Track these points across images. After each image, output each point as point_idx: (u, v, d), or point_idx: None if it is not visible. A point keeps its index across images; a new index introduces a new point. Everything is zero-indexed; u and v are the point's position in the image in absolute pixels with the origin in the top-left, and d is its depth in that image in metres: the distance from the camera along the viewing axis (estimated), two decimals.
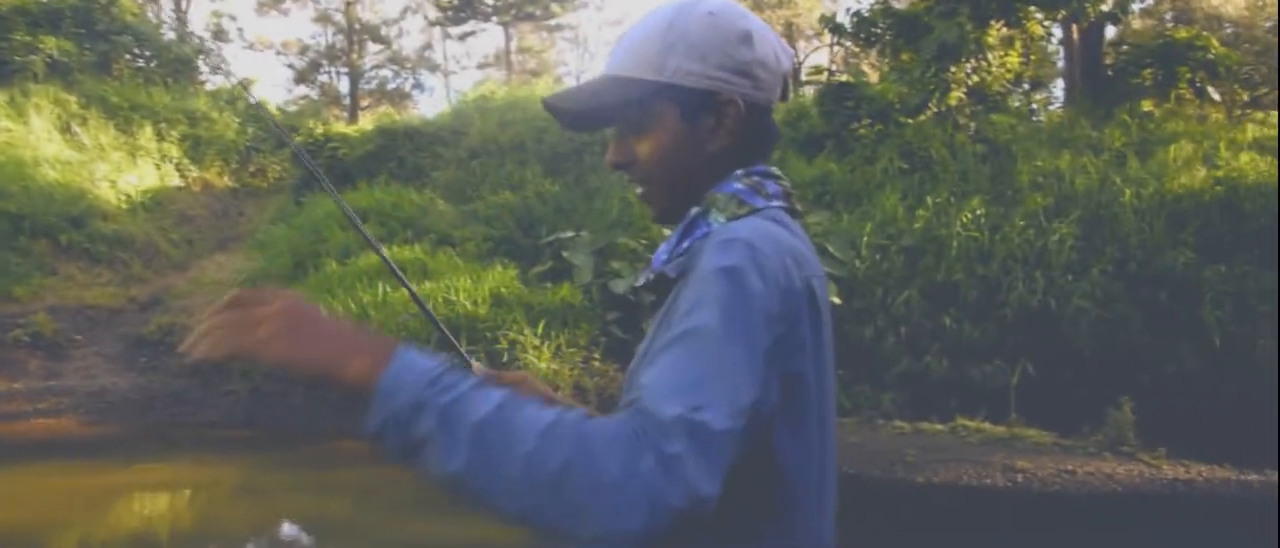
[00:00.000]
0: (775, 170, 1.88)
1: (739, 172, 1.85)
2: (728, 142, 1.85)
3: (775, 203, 1.82)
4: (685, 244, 1.77)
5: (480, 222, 16.87)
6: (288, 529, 9.07)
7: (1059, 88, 17.44)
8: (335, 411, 12.75)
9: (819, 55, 28.84)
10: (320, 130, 22.71)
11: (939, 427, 10.97)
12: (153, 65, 24.59)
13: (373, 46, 41.79)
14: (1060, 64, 21.11)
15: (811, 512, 1.77)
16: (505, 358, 12.56)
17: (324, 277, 14.91)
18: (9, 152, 18.49)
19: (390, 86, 43.06)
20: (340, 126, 23.36)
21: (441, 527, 8.88)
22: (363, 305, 13.49)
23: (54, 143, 19.62)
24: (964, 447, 10.39)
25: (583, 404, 2.44)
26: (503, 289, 13.98)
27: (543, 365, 12.57)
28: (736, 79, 1.83)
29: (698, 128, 1.85)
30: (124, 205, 18.89)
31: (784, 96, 1.90)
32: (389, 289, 13.72)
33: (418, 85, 44.41)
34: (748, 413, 1.51)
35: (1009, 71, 17.15)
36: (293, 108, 32.11)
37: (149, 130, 21.25)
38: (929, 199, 14.13)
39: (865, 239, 13.38)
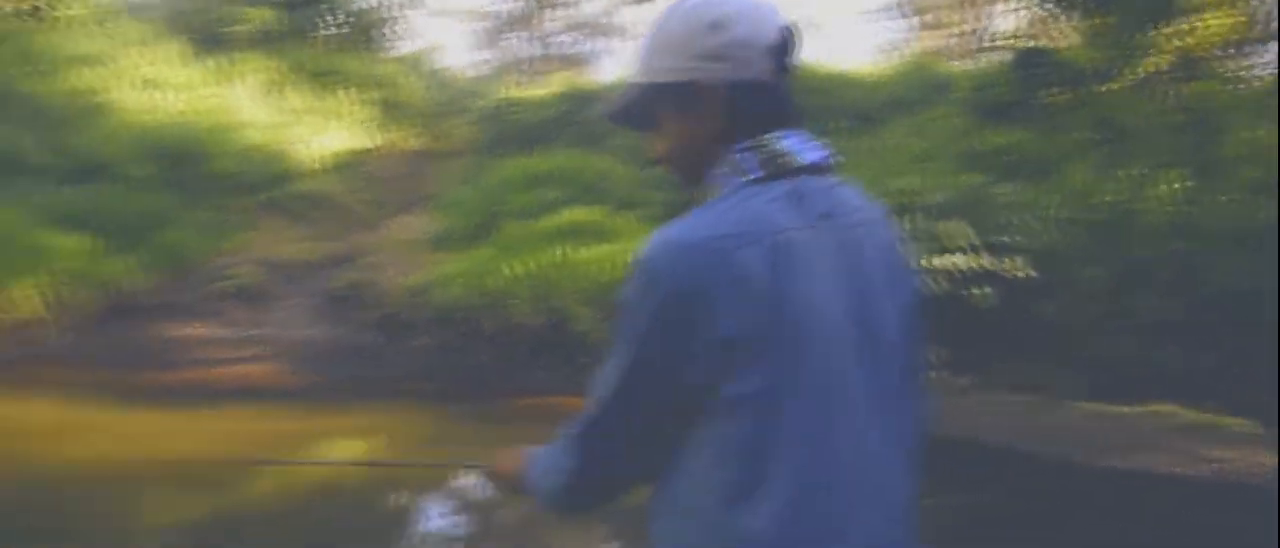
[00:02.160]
0: (764, 139, 2.02)
1: (729, 151, 2.05)
2: (719, 123, 2.04)
3: (752, 175, 2.00)
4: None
5: (662, 186, 16.93)
6: (463, 481, 9.36)
7: (1272, 52, 16.32)
8: (517, 368, 13.11)
9: (1007, 20, 27.75)
10: (503, 94, 23.22)
11: (1129, 410, 10.51)
12: (347, 32, 25.57)
13: (556, 11, 42.39)
14: (1274, 26, 19.74)
15: (788, 489, 1.95)
16: None
17: (506, 237, 15.23)
18: (218, 115, 19.61)
19: (573, 51, 43.62)
20: (523, 90, 23.76)
21: None
22: (544, 267, 13.74)
23: (257, 107, 20.71)
24: (1156, 432, 9.94)
25: None
26: None
27: None
28: (711, 64, 2.00)
29: (689, 117, 2.07)
30: (319, 166, 19.76)
31: (782, 68, 2.03)
32: (572, 250, 13.94)
33: (600, 50, 44.70)
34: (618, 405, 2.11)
35: (1216, 35, 16.14)
36: (477, 72, 32.87)
37: (343, 95, 22.15)
38: (1122, 171, 13.47)
39: (1052, 211, 12.87)
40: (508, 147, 19.98)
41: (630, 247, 13.76)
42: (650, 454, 2.12)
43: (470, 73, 26.86)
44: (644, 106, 2.13)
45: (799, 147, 2.04)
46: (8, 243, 14.04)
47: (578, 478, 2.25)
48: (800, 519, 1.91)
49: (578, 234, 14.75)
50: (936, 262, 11.65)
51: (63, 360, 13.34)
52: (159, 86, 20.25)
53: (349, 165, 20.26)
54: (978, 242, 12.10)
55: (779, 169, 2.00)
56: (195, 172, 17.86)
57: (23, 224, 14.61)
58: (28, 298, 13.62)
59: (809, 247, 1.92)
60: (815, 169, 2.04)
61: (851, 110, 17.73)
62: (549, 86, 23.24)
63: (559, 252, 14.05)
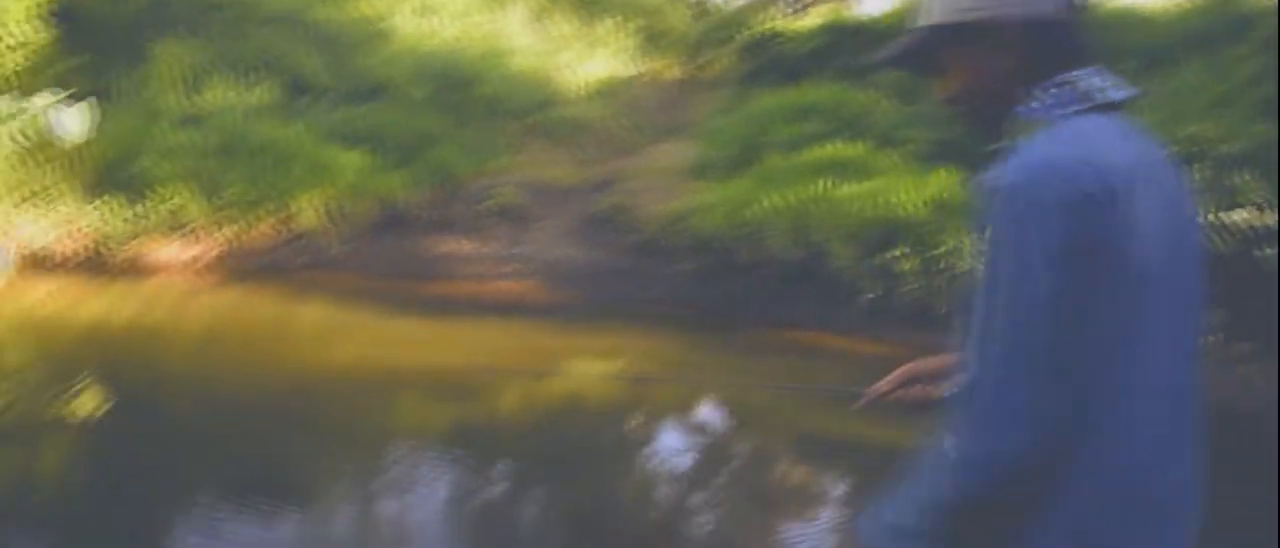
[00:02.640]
0: (1073, 75, 1.99)
1: (1037, 89, 2.02)
2: (1017, 62, 2.04)
3: (1071, 109, 1.97)
4: (985, 175, 1.99)
5: (926, 124, 16.08)
6: (707, 410, 9.13)
7: None
8: (771, 300, 12.77)
9: None
10: (766, 26, 22.71)
11: None
12: None
13: None
14: None
15: (1119, 438, 1.88)
16: (941, 264, 11.96)
17: (766, 169, 14.88)
18: (488, 42, 20.11)
19: None
20: (786, 22, 23.15)
21: (864, 428, 8.56)
22: (804, 201, 13.31)
23: (526, 34, 21.10)
24: None
25: None
26: (945, 194, 13.27)
27: None
28: (1010, 1, 2.02)
29: (987, 55, 2.07)
30: (583, 93, 19.94)
31: (1075, 4, 2.03)
32: (832, 185, 13.45)
33: None
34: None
35: None
36: (740, 3, 32.40)
37: (608, 23, 22.25)
38: None
39: None
40: (770, 78, 19.56)
41: (892, 184, 13.14)
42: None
43: (734, 3, 26.43)
44: (935, 47, 2.13)
45: (1106, 83, 2.01)
46: (294, 158, 14.84)
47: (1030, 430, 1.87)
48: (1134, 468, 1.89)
49: (838, 169, 14.22)
50: (1222, 217, 10.51)
51: (338, 268, 14.00)
52: (435, 13, 20.96)
53: (612, 92, 20.36)
54: (1269, 197, 10.79)
55: (1095, 105, 1.98)
56: (466, 95, 18.38)
57: (308, 141, 15.41)
58: (310, 209, 14.34)
59: (1147, 182, 1.89)
60: (1119, 107, 2.02)
61: (1140, 50, 16.24)
62: (812, 19, 22.54)
63: (819, 186, 13.60)
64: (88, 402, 8.16)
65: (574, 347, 11.29)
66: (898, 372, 2.70)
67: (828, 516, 6.76)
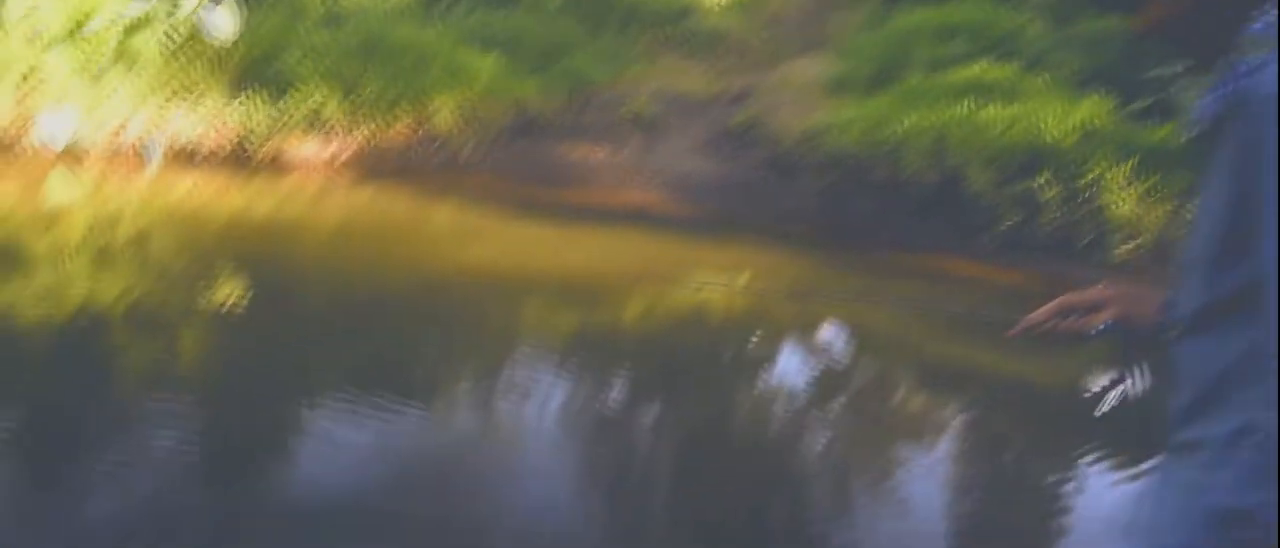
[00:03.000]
0: None
1: (1265, 6, 1.91)
2: None
3: None
4: (1225, 89, 1.85)
5: (1078, 48, 15.37)
6: (827, 330, 8.99)
7: None
8: (904, 223, 12.49)
9: None
10: None
11: None
12: None
13: None
14: None
15: None
16: (1085, 195, 11.51)
17: (907, 88, 14.46)
18: None
19: None
20: None
21: (980, 356, 8.35)
22: (944, 122, 12.90)
23: None
24: None
25: (1166, 259, 2.47)
26: (1094, 122, 12.74)
27: (1125, 209, 11.43)
28: None
29: None
30: (720, 4, 19.58)
31: None
32: (974, 108, 13.00)
33: None
34: None
35: None
36: None
37: None
38: None
39: None
40: None
41: (1038, 109, 12.64)
42: None
43: None
44: None
45: None
46: (431, 60, 14.97)
47: None
48: None
49: (982, 91, 13.70)
50: None
51: (472, 171, 14.15)
52: None
53: (751, 5, 19.95)
54: None
55: None
56: (602, 3, 18.24)
57: (445, 44, 15.51)
58: (446, 111, 14.48)
59: None
60: None
61: None
62: None
63: (961, 108, 13.15)
64: (226, 293, 8.48)
65: (700, 259, 11.25)
66: (1054, 302, 2.58)
67: (945, 444, 6.61)
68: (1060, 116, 12.62)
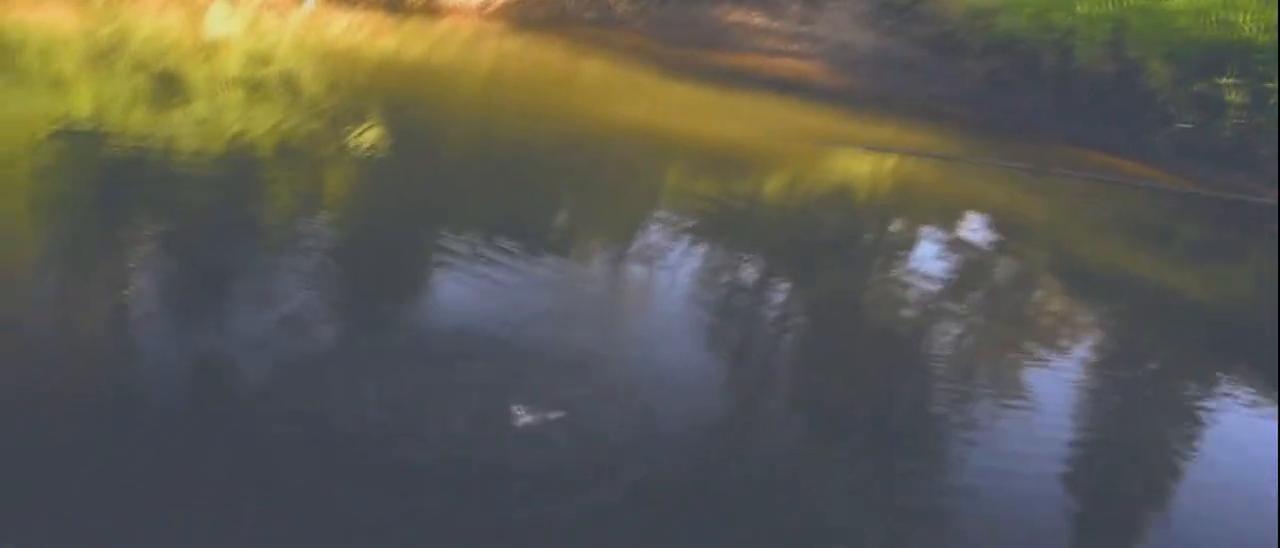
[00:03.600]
0: None
1: None
2: None
3: None
4: None
5: None
6: (973, 218, 8.71)
7: None
8: (1071, 115, 11.90)
9: None
10: None
11: None
12: None
13: None
14: None
15: None
16: (1272, 100, 10.72)
17: None
18: None
19: None
20: None
21: (1119, 256, 7.99)
22: (1125, 10, 12.14)
23: None
24: None
25: None
26: None
27: None
28: None
29: None
30: None
31: None
32: None
33: None
34: None
35: None
36: None
37: None
38: None
39: None
40: None
41: (1230, 1, 11.73)
42: None
43: None
44: None
45: None
46: None
47: None
48: None
49: None
50: None
51: (625, 28, 14.00)
52: None
53: None
54: None
55: None
56: None
57: None
58: None
59: None
60: None
61: None
62: None
63: None
64: (374, 132, 8.62)
65: (850, 133, 10.94)
66: None
67: (1081, 346, 6.33)
68: (1255, 11, 11.70)
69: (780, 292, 6.69)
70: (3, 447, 3.65)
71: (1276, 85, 10.60)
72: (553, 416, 4.19)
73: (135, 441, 3.81)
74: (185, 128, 8.11)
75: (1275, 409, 5.35)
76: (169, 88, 9.29)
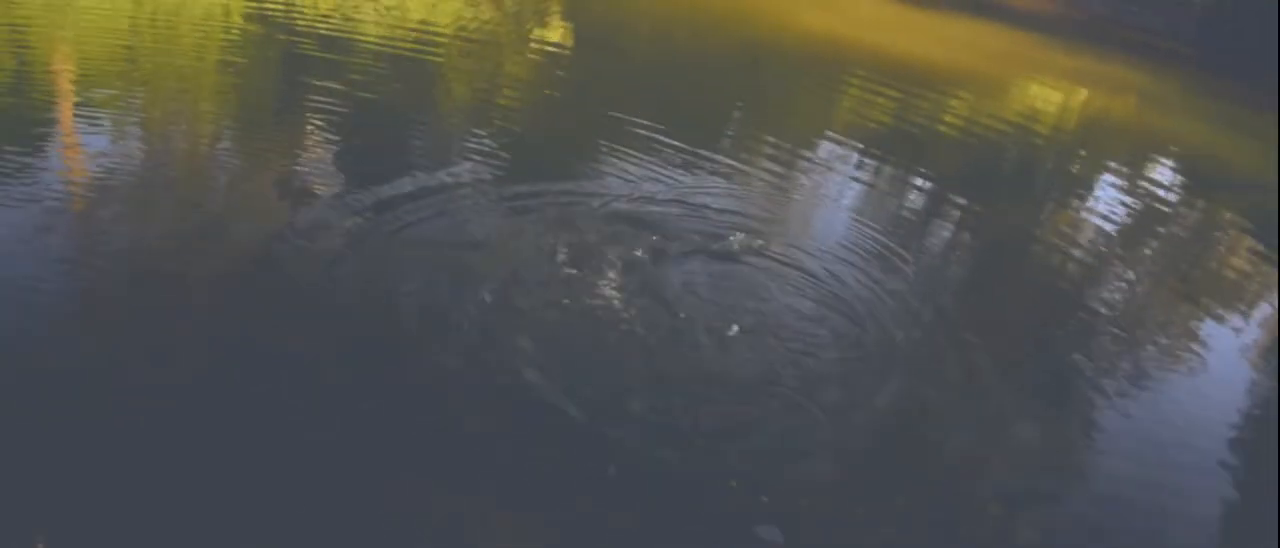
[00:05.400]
0: None
1: None
2: None
3: None
4: None
5: None
6: (1165, 160, 8.14)
7: None
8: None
9: None
10: None
11: None
12: None
13: None
14: None
15: None
16: None
17: None
18: None
19: None
20: None
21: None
22: None
23: None
24: None
25: None
26: None
27: None
28: None
29: None
30: None
31: None
32: None
33: None
34: None
35: None
36: None
37: None
38: None
39: None
40: None
41: None
42: None
43: None
44: None
45: None
46: None
47: None
48: None
49: None
50: None
51: None
52: None
53: None
54: None
55: None
56: None
57: None
58: None
59: None
60: None
61: None
62: None
63: None
64: (554, 31, 8.58)
65: (1044, 62, 10.34)
66: None
67: (1257, 315, 5.81)
68: None
69: (948, 220, 6.37)
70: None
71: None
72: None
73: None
74: (371, 17, 8.22)
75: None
76: None
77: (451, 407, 3.51)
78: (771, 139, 7.00)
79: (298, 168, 5.29)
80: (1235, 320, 5.58)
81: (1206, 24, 11.79)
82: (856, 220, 5.84)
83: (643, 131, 6.46)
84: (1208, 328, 5.39)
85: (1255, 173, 8.40)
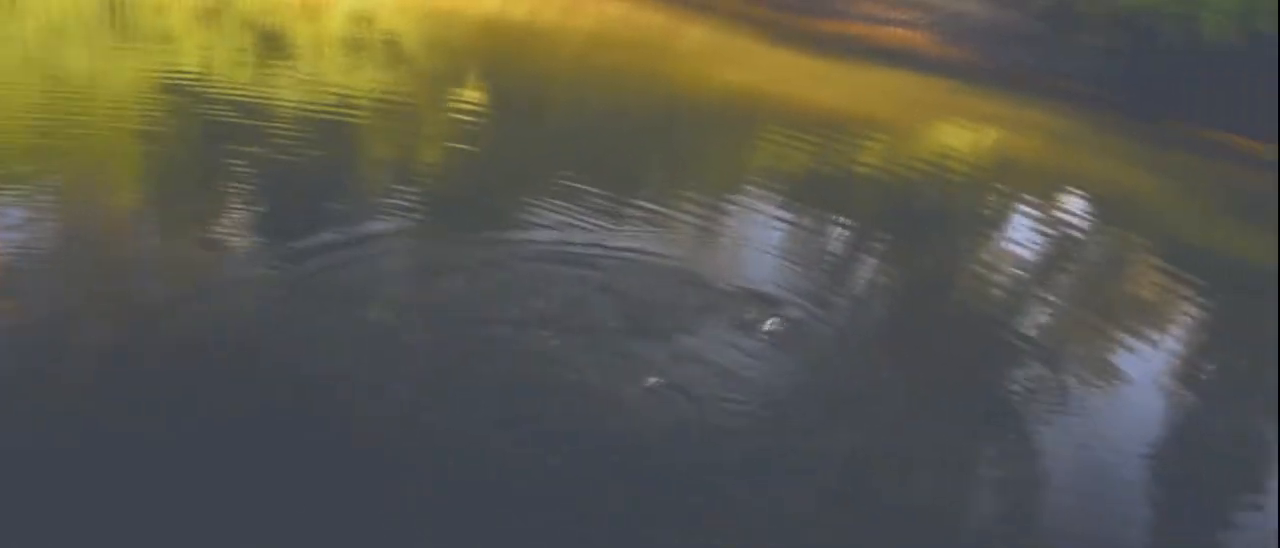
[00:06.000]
0: None
1: None
2: None
3: None
4: None
5: None
6: (1074, 195, 8.39)
7: None
8: (1199, 93, 11.38)
9: None
10: None
11: None
12: None
13: None
14: None
15: None
16: None
17: None
18: None
19: None
20: None
21: (1229, 239, 7.60)
22: None
23: None
24: None
25: None
26: None
27: None
28: None
29: None
30: None
31: None
32: None
33: None
34: None
35: None
36: None
37: None
38: None
39: None
40: None
41: None
42: None
43: None
44: None
45: None
46: None
47: None
48: None
49: None
50: None
51: None
52: None
53: None
54: None
55: None
56: None
57: None
58: None
59: None
60: None
61: None
62: None
63: None
64: (473, 92, 8.64)
65: (954, 106, 10.62)
66: None
67: (1176, 331, 5.99)
68: None
69: (870, 263, 6.49)
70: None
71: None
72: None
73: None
74: (286, 85, 8.21)
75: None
76: (273, 46, 9.45)
77: (367, 464, 3.51)
78: (691, 188, 7.09)
79: (215, 232, 5.26)
80: (1148, 342, 5.74)
81: (1113, 67, 12.22)
82: (777, 261, 5.94)
83: (563, 183, 6.51)
84: (1121, 350, 5.53)
85: (1159, 203, 8.68)
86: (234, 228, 5.33)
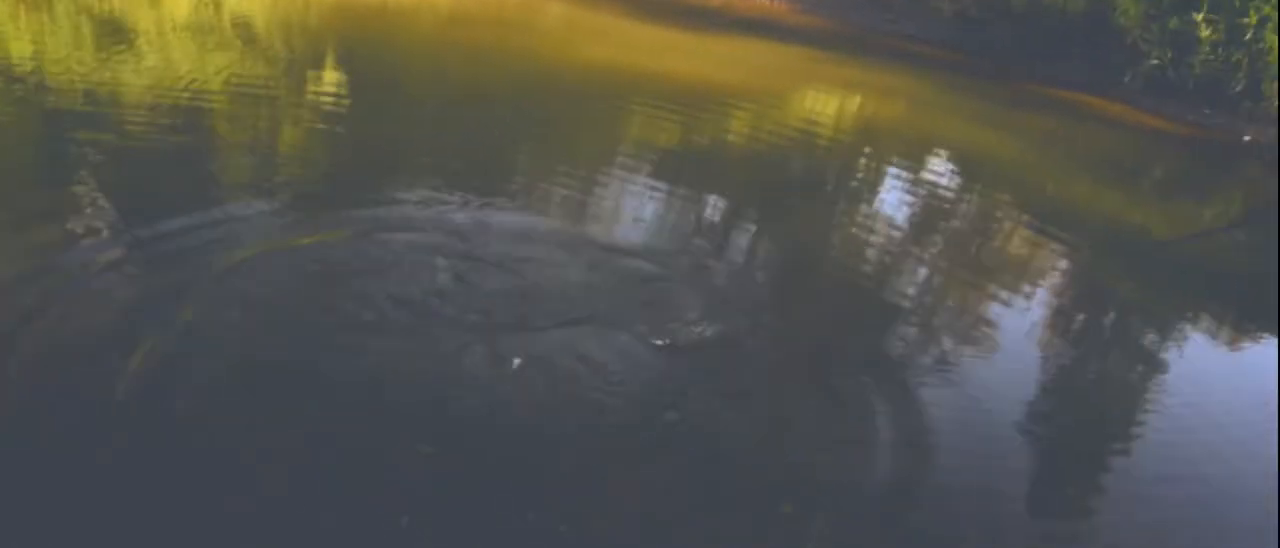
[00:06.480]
0: None
1: None
2: None
3: None
4: None
5: None
6: (937, 157, 8.60)
7: None
8: (1042, 53, 11.77)
9: None
10: None
11: None
12: None
13: None
14: None
15: None
16: (1247, 36, 10.64)
17: None
18: None
19: None
20: None
21: (1084, 194, 7.88)
22: None
23: None
24: None
25: None
26: None
27: None
28: None
29: None
30: None
31: None
32: None
33: None
34: None
35: None
36: None
37: None
38: None
39: None
40: None
41: None
42: None
43: None
44: None
45: None
46: None
47: None
48: None
49: None
50: None
51: None
52: None
53: None
54: None
55: None
56: None
57: None
58: None
59: None
60: None
61: None
62: None
63: None
64: (329, 73, 8.37)
65: (816, 74, 10.74)
66: None
67: (1044, 288, 6.19)
68: None
69: (743, 232, 6.51)
70: None
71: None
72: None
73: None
74: (132, 74, 7.80)
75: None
76: (113, 33, 8.97)
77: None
78: (557, 163, 7.00)
79: (63, 222, 4.96)
80: (1021, 300, 5.89)
81: (960, 28, 12.52)
82: (646, 233, 5.92)
83: (427, 162, 6.36)
84: (997, 308, 5.67)
85: (1016, 162, 8.91)
86: (76, 220, 5.03)
